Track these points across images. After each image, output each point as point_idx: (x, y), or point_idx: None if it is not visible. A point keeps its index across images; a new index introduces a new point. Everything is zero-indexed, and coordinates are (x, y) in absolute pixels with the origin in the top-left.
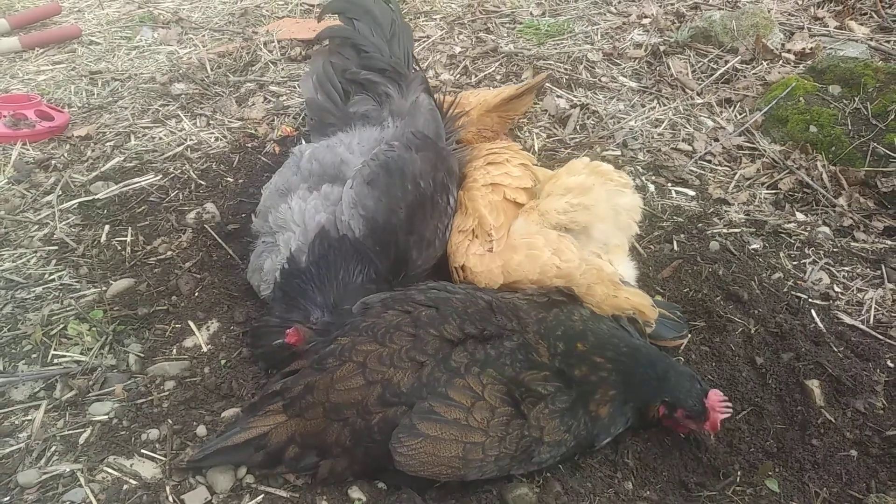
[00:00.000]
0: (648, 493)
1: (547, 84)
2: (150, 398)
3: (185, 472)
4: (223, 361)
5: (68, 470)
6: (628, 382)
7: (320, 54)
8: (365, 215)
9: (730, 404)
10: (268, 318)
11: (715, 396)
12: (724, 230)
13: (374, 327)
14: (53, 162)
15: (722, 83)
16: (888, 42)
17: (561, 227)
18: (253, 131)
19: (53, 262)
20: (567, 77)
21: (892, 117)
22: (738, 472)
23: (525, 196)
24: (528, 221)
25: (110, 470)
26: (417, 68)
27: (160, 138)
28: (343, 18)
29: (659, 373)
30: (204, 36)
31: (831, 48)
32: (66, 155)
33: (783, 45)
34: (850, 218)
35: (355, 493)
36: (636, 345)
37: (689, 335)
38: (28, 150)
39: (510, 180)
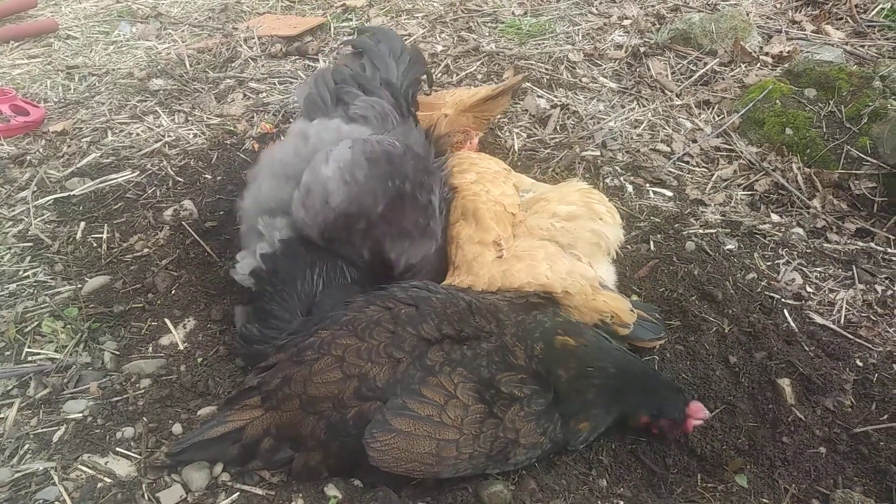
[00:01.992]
0: (622, 489)
1: (528, 84)
2: (125, 396)
3: (160, 470)
4: (199, 359)
5: (41, 468)
6: (614, 400)
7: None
8: (350, 184)
9: (707, 414)
10: (250, 337)
11: (695, 407)
12: (701, 231)
13: (354, 321)
14: (28, 157)
15: (700, 85)
16: (862, 46)
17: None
18: (232, 128)
19: (28, 258)
20: (548, 77)
21: (865, 121)
22: (711, 469)
23: (517, 209)
24: (521, 235)
25: (84, 468)
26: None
27: (137, 134)
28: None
29: (649, 390)
30: (183, 31)
31: (808, 52)
32: (41, 150)
33: (761, 47)
34: (824, 219)
35: (331, 490)
36: (623, 365)
37: (666, 337)
38: (2, 145)
39: (509, 199)
